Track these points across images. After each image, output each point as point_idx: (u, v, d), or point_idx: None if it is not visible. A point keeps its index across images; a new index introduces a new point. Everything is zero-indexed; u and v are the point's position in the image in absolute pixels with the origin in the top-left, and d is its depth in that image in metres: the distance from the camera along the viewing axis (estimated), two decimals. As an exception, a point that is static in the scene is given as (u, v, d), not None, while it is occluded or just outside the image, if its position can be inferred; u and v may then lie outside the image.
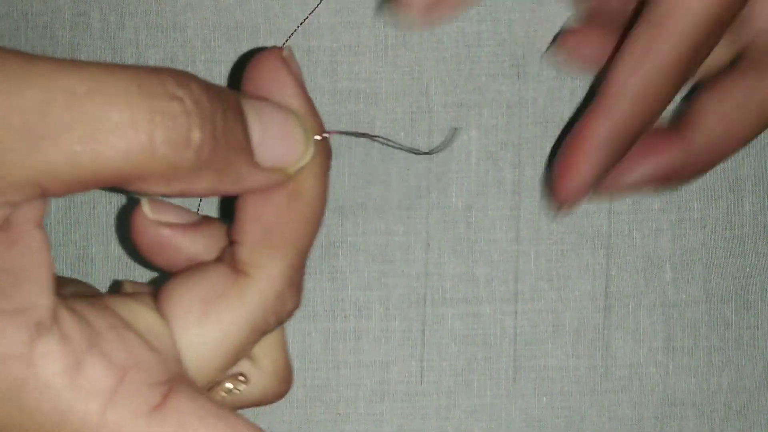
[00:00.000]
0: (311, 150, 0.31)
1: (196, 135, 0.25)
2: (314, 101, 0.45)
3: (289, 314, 0.32)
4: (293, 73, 0.31)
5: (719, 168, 0.45)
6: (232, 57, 0.45)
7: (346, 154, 0.45)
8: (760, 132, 0.39)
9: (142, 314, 0.28)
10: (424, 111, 0.45)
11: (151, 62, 0.45)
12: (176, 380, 0.27)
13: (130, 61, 0.44)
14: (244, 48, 0.45)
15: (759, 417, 0.46)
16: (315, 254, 0.45)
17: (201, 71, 0.44)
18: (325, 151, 0.32)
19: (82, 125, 0.23)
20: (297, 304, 0.32)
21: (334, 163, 0.45)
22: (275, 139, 0.29)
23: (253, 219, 0.30)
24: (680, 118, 0.39)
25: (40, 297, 0.25)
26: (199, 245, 0.32)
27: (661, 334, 0.45)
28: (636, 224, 0.45)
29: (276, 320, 0.31)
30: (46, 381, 0.25)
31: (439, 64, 0.44)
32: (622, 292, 0.45)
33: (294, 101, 0.31)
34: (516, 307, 0.45)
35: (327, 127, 0.45)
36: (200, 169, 0.26)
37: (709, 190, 0.45)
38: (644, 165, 0.39)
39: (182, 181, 0.26)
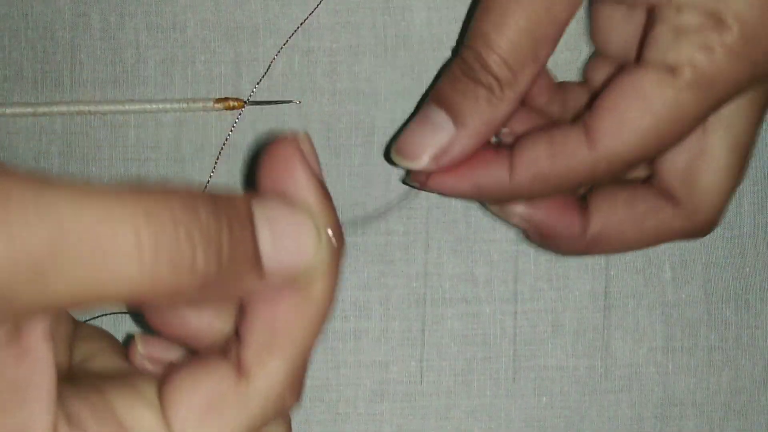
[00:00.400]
0: (323, 252, 0.29)
1: (200, 260, 0.25)
2: (314, 101, 0.45)
3: (289, 409, 0.31)
4: (308, 163, 0.29)
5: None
6: (232, 57, 0.45)
7: (346, 154, 0.45)
8: (646, 248, 0.41)
9: (145, 417, 0.28)
10: (424, 111, 0.45)
11: (151, 62, 0.45)
12: None
13: (130, 62, 0.44)
14: (244, 48, 0.45)
15: (758, 416, 0.46)
16: (315, 254, 0.45)
17: (201, 71, 0.45)
18: (338, 249, 0.30)
19: (90, 256, 0.23)
20: (298, 400, 0.31)
21: (334, 162, 0.45)
22: (285, 245, 0.28)
23: (261, 321, 0.29)
24: (588, 211, 0.40)
25: (42, 416, 0.25)
26: (209, 321, 0.32)
27: (661, 333, 0.45)
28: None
29: (275, 415, 0.31)
30: None
31: (439, 64, 0.44)
32: (622, 292, 0.45)
33: (308, 195, 0.29)
34: (515, 307, 0.45)
35: (328, 126, 0.45)
36: (205, 289, 0.26)
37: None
38: (540, 210, 0.40)
39: (188, 300, 0.27)
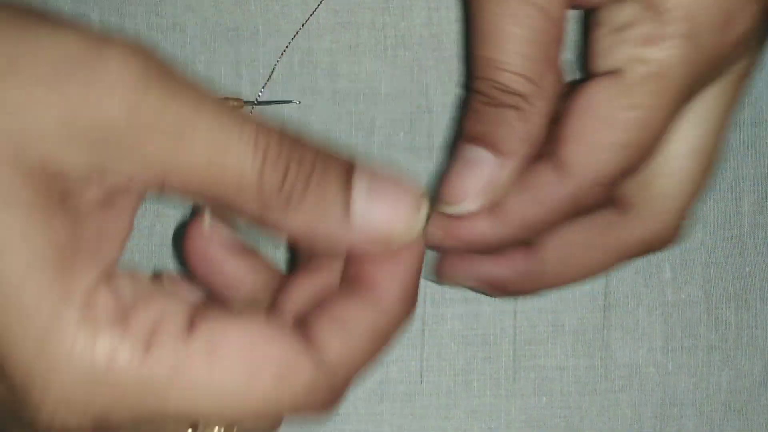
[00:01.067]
0: (419, 225, 0.31)
1: (290, 177, 0.29)
2: (314, 101, 0.45)
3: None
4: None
5: (718, 168, 0.46)
6: (232, 57, 0.45)
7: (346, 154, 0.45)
8: (608, 269, 0.39)
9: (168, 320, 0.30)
10: (424, 111, 0.45)
11: (151, 63, 0.45)
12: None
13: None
14: (244, 48, 0.45)
15: (758, 416, 0.46)
16: (315, 254, 0.45)
17: (201, 71, 0.45)
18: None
19: (217, 142, 0.28)
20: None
21: (334, 163, 0.45)
22: (379, 205, 0.31)
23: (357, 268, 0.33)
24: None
25: (113, 253, 0.30)
26: (244, 274, 0.34)
27: (661, 333, 0.46)
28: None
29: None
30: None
31: (439, 64, 0.44)
32: (622, 291, 0.46)
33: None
34: (515, 307, 0.45)
35: (328, 126, 0.45)
36: (291, 209, 0.30)
37: (708, 190, 0.46)
38: (486, 265, 0.39)
39: (275, 217, 0.30)
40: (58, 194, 0.28)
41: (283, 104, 0.45)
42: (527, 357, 0.45)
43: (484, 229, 0.36)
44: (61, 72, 0.28)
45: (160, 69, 0.29)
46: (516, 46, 0.34)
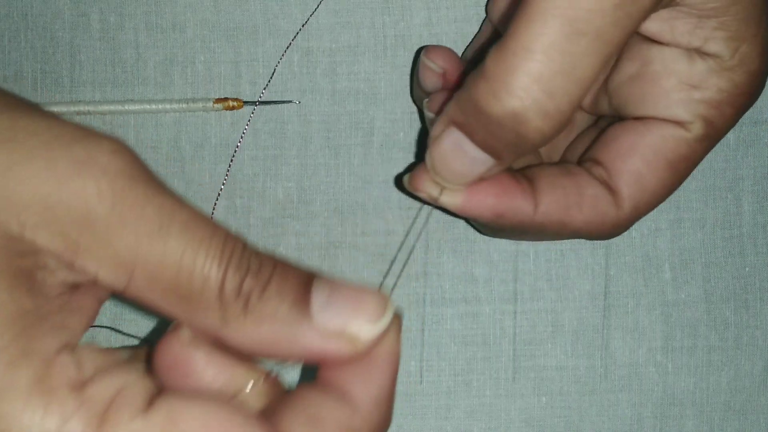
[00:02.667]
0: (384, 321, 0.31)
1: (248, 283, 0.29)
2: (314, 101, 0.45)
3: None
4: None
5: (718, 168, 0.46)
6: (232, 57, 0.45)
7: (345, 154, 0.45)
8: (576, 232, 0.39)
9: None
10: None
11: (151, 63, 0.45)
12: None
13: (130, 62, 0.44)
14: (244, 48, 0.45)
15: (758, 416, 0.46)
16: (315, 254, 0.45)
17: (201, 71, 0.45)
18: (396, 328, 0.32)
19: (189, 243, 0.28)
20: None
21: (334, 162, 0.45)
22: (338, 310, 0.30)
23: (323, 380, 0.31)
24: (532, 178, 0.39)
25: (77, 328, 0.29)
26: (221, 378, 0.31)
27: (661, 333, 0.46)
28: (635, 224, 0.45)
29: None
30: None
31: (439, 64, 0.44)
32: (622, 291, 0.45)
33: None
34: (515, 307, 0.45)
35: (328, 126, 0.45)
36: (248, 317, 0.29)
37: (708, 189, 0.46)
38: (492, 198, 0.38)
39: (233, 325, 0.29)
40: (29, 267, 0.28)
41: (283, 104, 0.45)
42: (527, 357, 0.45)
43: (524, 211, 0.37)
44: (53, 151, 0.28)
45: (143, 167, 0.29)
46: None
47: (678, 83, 0.36)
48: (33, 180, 0.27)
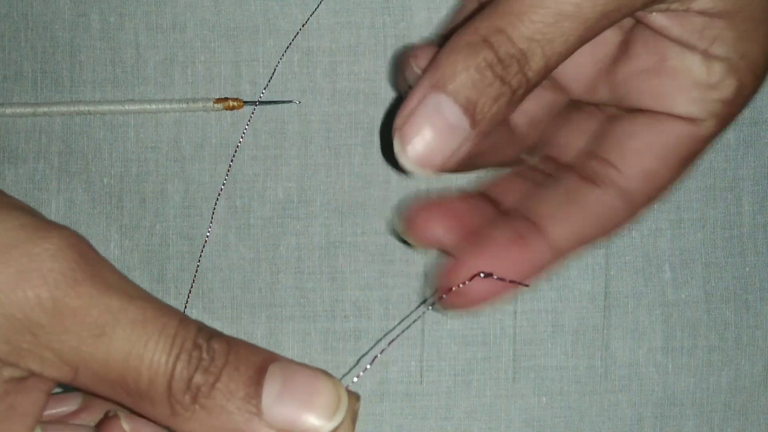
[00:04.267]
0: (338, 418, 0.30)
1: (197, 378, 0.29)
2: (314, 101, 0.45)
3: None
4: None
5: (718, 168, 0.46)
6: (232, 57, 0.45)
7: (345, 154, 0.45)
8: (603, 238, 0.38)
9: None
10: (424, 111, 0.45)
11: (151, 63, 0.45)
12: None
13: (130, 62, 0.45)
14: (244, 48, 0.45)
15: (758, 416, 0.46)
16: (315, 254, 0.45)
17: (201, 71, 0.45)
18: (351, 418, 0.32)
19: (135, 343, 0.28)
20: None
21: (334, 162, 0.45)
22: (291, 403, 0.29)
23: None
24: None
25: None
26: None
27: (661, 333, 0.46)
28: (635, 224, 0.45)
29: None
30: None
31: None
32: (622, 291, 0.45)
33: None
34: (515, 307, 0.45)
35: (328, 126, 0.45)
36: (197, 411, 0.29)
37: (708, 189, 0.46)
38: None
39: (181, 418, 0.29)
40: None
41: (284, 104, 0.45)
42: (527, 357, 0.45)
43: (541, 254, 0.36)
44: None
45: (92, 264, 0.29)
46: (575, 39, 0.32)
47: (695, 82, 0.35)
48: None
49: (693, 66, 0.35)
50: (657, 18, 0.35)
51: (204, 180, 0.45)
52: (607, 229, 0.37)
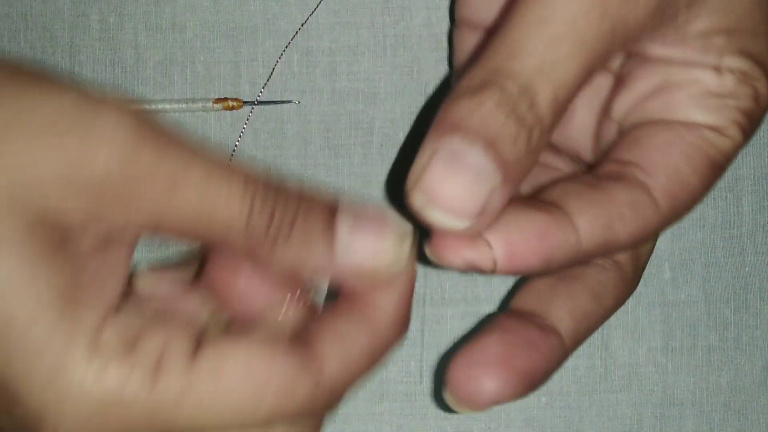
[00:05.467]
0: (404, 258, 0.33)
1: (277, 217, 0.31)
2: (314, 101, 0.45)
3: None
4: None
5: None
6: (231, 57, 0.45)
7: (345, 154, 0.45)
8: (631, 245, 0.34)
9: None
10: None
11: (151, 63, 0.45)
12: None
13: (130, 62, 0.44)
14: (244, 48, 0.45)
15: (758, 416, 0.46)
16: (314, 254, 0.45)
17: (201, 71, 0.45)
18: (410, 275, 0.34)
19: (208, 188, 0.30)
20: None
21: (334, 162, 0.45)
22: (362, 241, 0.32)
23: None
24: None
25: (117, 288, 0.31)
26: (259, 298, 0.34)
27: (660, 333, 0.46)
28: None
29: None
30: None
31: (439, 64, 0.44)
32: (622, 291, 0.45)
33: None
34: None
35: (327, 126, 0.45)
36: (278, 249, 0.31)
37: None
38: (534, 239, 0.32)
39: (264, 257, 0.31)
40: (59, 241, 0.29)
41: (283, 104, 0.45)
42: (527, 357, 0.45)
43: (568, 243, 0.32)
44: (59, 128, 0.29)
45: (152, 125, 0.30)
46: (579, 68, 0.30)
47: (708, 92, 0.33)
48: (45, 162, 0.29)
49: (703, 77, 0.34)
50: (653, 48, 0.33)
51: (204, 180, 0.45)
52: (636, 229, 0.33)
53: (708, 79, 0.34)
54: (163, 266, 0.35)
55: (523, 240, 0.31)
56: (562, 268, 0.34)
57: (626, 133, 0.35)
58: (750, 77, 0.33)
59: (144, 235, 0.31)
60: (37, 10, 0.45)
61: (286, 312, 0.33)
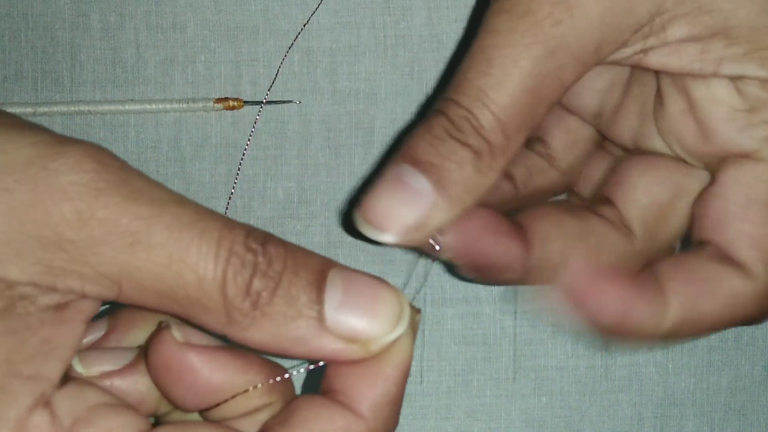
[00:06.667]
0: (401, 329, 0.30)
1: (256, 284, 0.28)
2: (315, 101, 0.45)
3: None
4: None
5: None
6: (232, 57, 0.45)
7: (345, 154, 0.45)
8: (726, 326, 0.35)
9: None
10: (424, 111, 0.45)
11: (151, 62, 0.45)
12: None
13: (130, 62, 0.44)
14: (244, 48, 0.45)
15: (758, 416, 0.46)
16: (315, 254, 0.45)
17: (201, 71, 0.45)
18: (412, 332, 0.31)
19: (175, 247, 0.27)
20: None
21: (334, 162, 0.45)
22: (353, 313, 0.29)
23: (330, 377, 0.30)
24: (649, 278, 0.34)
25: (55, 374, 0.28)
26: (222, 376, 0.30)
27: (661, 333, 0.46)
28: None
29: None
30: None
31: (439, 64, 0.44)
32: (622, 291, 0.45)
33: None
34: (516, 307, 0.45)
35: (328, 126, 0.45)
36: (258, 318, 0.28)
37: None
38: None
39: (240, 326, 0.28)
40: (4, 304, 0.27)
41: (284, 104, 0.45)
42: (527, 357, 0.45)
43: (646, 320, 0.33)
44: (10, 179, 0.27)
45: (115, 172, 0.28)
46: (515, 90, 0.31)
47: (732, 110, 0.33)
48: None
49: (721, 93, 0.33)
50: (651, 58, 0.33)
51: (204, 180, 0.45)
52: (734, 320, 0.34)
53: (726, 94, 0.33)
54: (110, 345, 0.32)
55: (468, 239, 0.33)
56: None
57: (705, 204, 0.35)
58: None
59: (106, 298, 0.28)
60: (37, 9, 0.45)
61: (253, 400, 0.30)
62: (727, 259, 0.33)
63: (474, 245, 0.34)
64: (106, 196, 0.27)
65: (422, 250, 0.33)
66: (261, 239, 0.28)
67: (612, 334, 0.34)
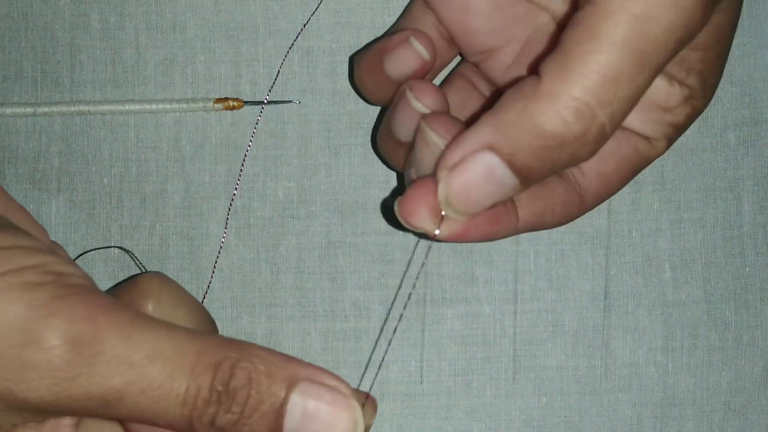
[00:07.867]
0: None
1: (220, 419, 0.30)
2: (315, 101, 0.45)
3: None
4: None
5: (718, 168, 0.46)
6: (232, 57, 0.45)
7: (345, 154, 0.45)
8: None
9: None
10: (424, 111, 0.45)
11: (151, 63, 0.45)
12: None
13: (130, 62, 0.44)
14: (244, 48, 0.45)
15: (758, 416, 0.46)
16: (315, 254, 0.45)
17: (201, 71, 0.45)
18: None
19: (138, 373, 0.29)
20: None
21: (334, 162, 0.45)
22: (313, 424, 0.30)
23: None
24: None
25: None
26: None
27: (661, 333, 0.46)
28: (635, 224, 0.45)
29: None
30: None
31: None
32: (622, 292, 0.45)
33: None
34: (515, 307, 0.45)
35: (328, 126, 0.45)
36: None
37: (708, 190, 0.46)
38: (486, 226, 0.37)
39: None
40: None
41: (284, 104, 0.45)
42: (527, 357, 0.45)
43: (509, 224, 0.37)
44: None
45: (63, 292, 0.29)
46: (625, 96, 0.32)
47: (654, 104, 0.37)
48: None
49: (656, 89, 0.36)
50: None
51: (204, 180, 0.45)
52: (560, 221, 0.39)
53: (659, 92, 0.36)
54: None
55: (479, 222, 0.35)
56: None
57: None
58: (693, 96, 0.36)
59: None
60: (37, 10, 0.45)
61: None
62: (574, 184, 0.39)
63: (486, 229, 0.36)
64: (56, 314, 0.29)
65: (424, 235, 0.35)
66: (228, 374, 0.30)
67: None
